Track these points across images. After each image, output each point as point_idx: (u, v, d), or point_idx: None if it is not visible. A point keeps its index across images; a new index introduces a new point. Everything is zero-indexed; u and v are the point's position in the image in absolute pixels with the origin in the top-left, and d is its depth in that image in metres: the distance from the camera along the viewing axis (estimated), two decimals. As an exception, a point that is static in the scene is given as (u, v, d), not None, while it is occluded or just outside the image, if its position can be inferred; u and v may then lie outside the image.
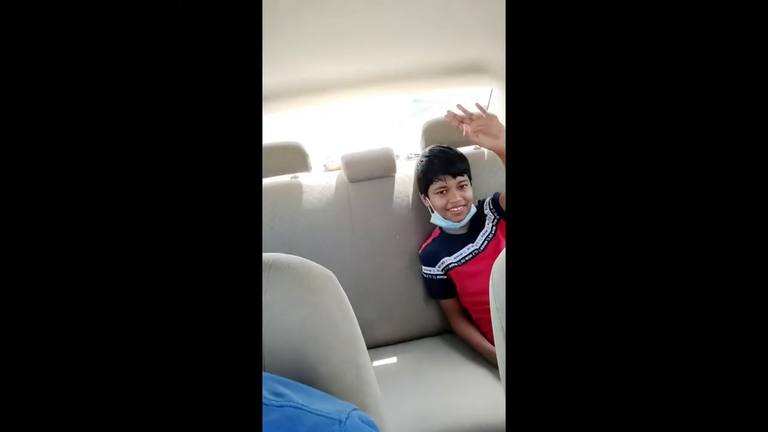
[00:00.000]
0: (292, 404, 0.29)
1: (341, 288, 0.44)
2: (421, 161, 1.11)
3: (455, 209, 1.05)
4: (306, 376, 0.38)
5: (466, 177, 1.07)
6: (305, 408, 0.29)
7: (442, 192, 1.06)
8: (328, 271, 0.44)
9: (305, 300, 0.40)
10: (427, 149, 1.13)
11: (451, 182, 1.05)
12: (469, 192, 1.07)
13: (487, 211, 1.10)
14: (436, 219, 1.10)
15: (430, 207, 1.11)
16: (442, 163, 1.06)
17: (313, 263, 0.44)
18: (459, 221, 1.06)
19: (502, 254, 0.48)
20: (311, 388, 0.33)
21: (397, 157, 1.24)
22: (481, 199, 1.13)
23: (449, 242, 1.10)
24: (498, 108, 1.33)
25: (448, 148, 1.11)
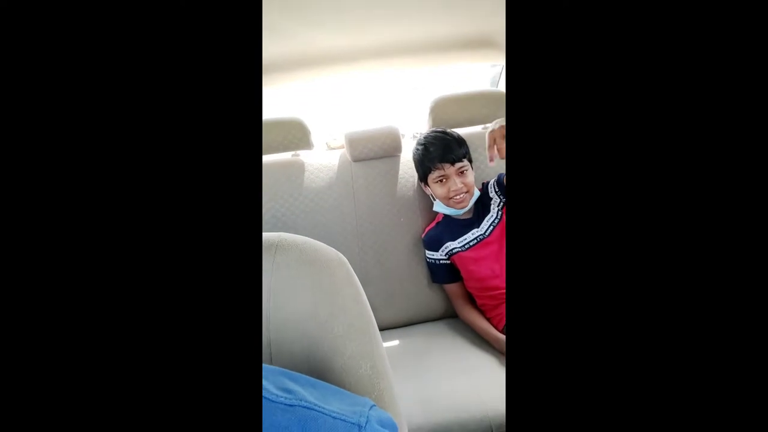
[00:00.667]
0: (304, 404, 0.26)
1: (354, 273, 0.41)
2: (417, 149, 1.06)
3: (457, 197, 1.00)
4: (318, 369, 0.35)
5: (465, 162, 1.02)
6: (319, 409, 0.26)
7: (441, 180, 1.01)
8: (339, 253, 0.41)
9: (316, 284, 0.36)
10: (422, 136, 1.08)
11: (450, 170, 1.00)
12: (470, 177, 1.02)
13: (492, 193, 1.06)
14: (439, 207, 1.06)
15: (431, 195, 1.07)
16: (439, 150, 1.00)
17: (323, 244, 0.40)
18: (462, 209, 1.03)
19: None
20: (320, 382, 0.30)
21: (403, 136, 1.19)
22: (485, 181, 1.09)
23: (453, 227, 1.06)
24: (508, 86, 1.28)
25: (444, 132, 1.06)
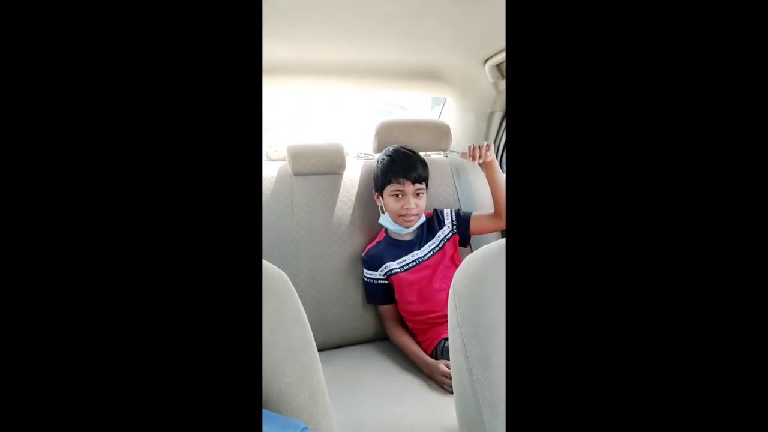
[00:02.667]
0: None
1: (294, 291, 0.39)
2: (383, 159, 1.07)
3: (408, 217, 1.02)
4: None
5: (423, 185, 1.05)
6: None
7: (397, 195, 1.03)
8: (281, 271, 0.39)
9: None
10: (392, 148, 1.09)
11: (409, 188, 1.02)
12: (423, 201, 1.05)
13: (447, 221, 1.09)
14: (385, 221, 1.07)
15: (381, 207, 1.08)
16: (404, 166, 1.03)
17: (265, 261, 0.38)
18: (408, 228, 1.04)
19: (465, 265, 0.45)
20: None
21: (347, 154, 1.19)
22: (437, 208, 1.12)
23: (395, 247, 1.07)
24: (449, 118, 1.35)
25: (413, 152, 1.08)
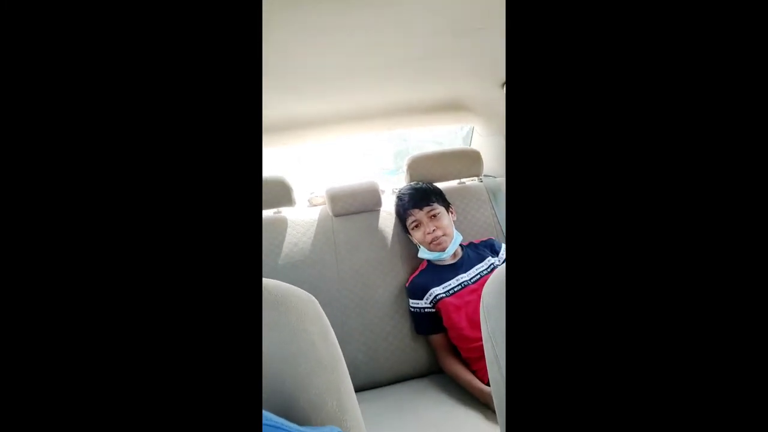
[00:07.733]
0: (285, 427, 0.26)
1: (323, 313, 0.42)
2: (396, 202, 1.16)
3: (435, 240, 1.06)
4: (282, 406, 0.34)
5: (435, 206, 1.10)
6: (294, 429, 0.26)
7: (417, 226, 1.09)
8: (310, 295, 0.42)
9: (283, 324, 0.37)
10: (399, 190, 1.17)
11: (420, 214, 1.09)
12: (444, 220, 1.09)
13: (501, 255, 1.10)
14: (423, 253, 1.10)
15: (416, 243, 1.13)
16: (411, 198, 1.11)
17: (294, 287, 0.42)
18: (443, 251, 1.07)
19: (493, 278, 0.46)
20: (285, 423, 0.30)
21: (383, 192, 1.25)
22: (493, 239, 1.15)
23: (438, 272, 1.08)
24: (479, 144, 1.37)
25: (418, 183, 1.17)
